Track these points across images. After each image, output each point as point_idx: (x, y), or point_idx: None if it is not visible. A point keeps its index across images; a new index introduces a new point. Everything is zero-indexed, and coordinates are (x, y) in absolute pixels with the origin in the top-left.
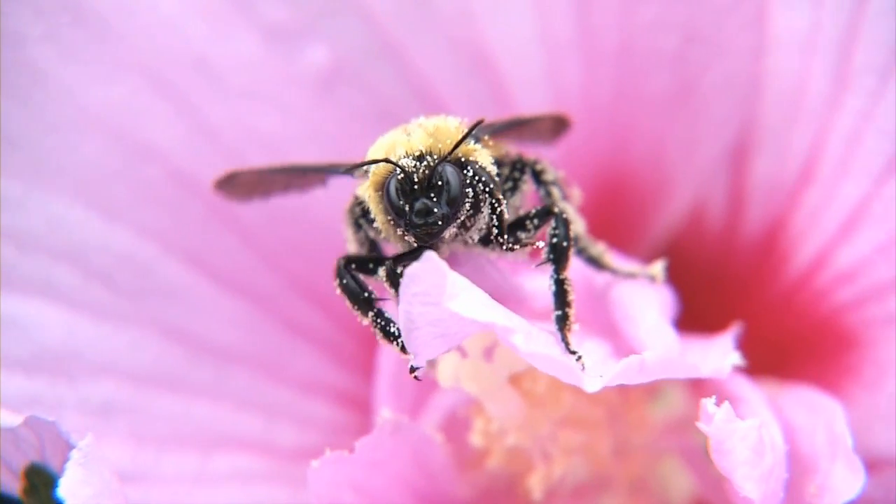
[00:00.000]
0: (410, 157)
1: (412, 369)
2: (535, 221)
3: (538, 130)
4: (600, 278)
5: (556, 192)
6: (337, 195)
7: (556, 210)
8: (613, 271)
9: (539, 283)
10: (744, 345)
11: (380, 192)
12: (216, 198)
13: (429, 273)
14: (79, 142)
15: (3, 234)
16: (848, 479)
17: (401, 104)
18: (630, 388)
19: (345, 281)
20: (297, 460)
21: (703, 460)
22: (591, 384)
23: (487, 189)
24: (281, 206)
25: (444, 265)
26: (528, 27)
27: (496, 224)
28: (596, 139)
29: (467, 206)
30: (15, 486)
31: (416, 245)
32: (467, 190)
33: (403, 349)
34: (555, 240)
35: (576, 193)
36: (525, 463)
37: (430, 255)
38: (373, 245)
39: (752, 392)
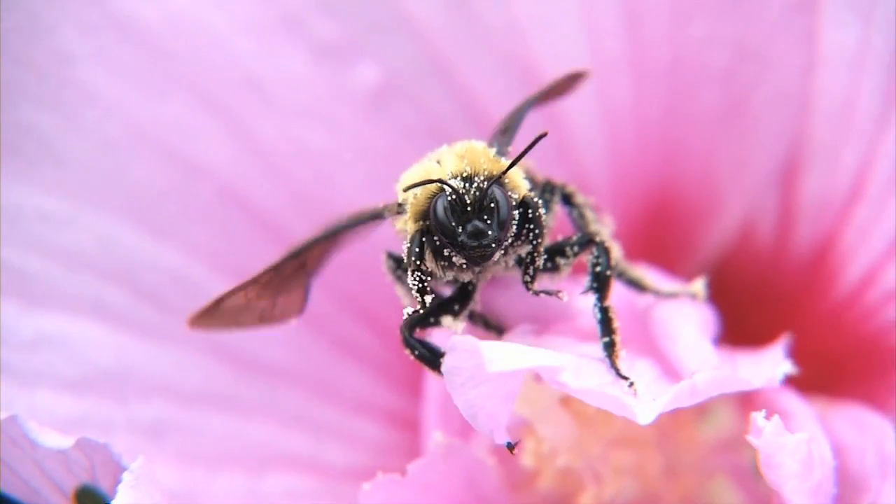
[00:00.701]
0: (458, 178)
1: (509, 447)
2: (576, 249)
3: (556, 91)
4: (642, 300)
5: (589, 214)
6: None
7: (597, 239)
8: (655, 292)
9: (584, 301)
10: (792, 362)
11: (421, 222)
12: (266, 215)
13: (463, 359)
14: (128, 160)
15: (53, 253)
16: None
17: (451, 121)
18: (680, 408)
19: (417, 351)
20: (346, 480)
21: (752, 479)
22: (644, 416)
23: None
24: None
25: (471, 343)
26: (578, 43)
27: (536, 245)
28: (646, 156)
29: (514, 228)
30: None
31: (465, 266)
32: (514, 212)
33: None
34: (598, 269)
35: (608, 220)
36: (576, 483)
37: (455, 344)
38: None
39: (801, 407)
